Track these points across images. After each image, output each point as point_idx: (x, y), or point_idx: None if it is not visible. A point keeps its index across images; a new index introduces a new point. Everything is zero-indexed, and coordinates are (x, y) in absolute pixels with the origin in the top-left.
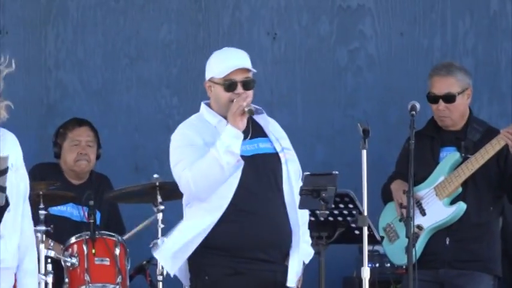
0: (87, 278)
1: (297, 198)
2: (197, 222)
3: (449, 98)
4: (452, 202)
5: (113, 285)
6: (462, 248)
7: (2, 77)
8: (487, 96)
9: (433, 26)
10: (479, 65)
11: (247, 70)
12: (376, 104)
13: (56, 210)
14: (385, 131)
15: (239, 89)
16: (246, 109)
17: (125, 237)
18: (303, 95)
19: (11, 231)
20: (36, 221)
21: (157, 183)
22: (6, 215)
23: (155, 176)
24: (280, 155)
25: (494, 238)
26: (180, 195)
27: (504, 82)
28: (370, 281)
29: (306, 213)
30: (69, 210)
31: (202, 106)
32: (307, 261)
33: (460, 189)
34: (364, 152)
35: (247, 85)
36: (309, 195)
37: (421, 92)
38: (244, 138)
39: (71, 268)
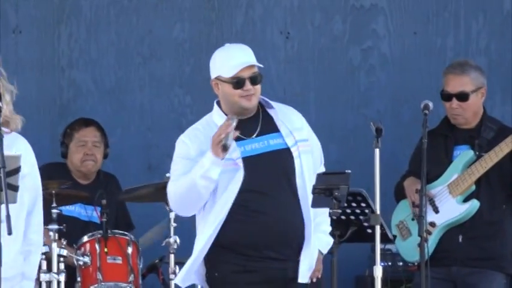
0: (99, 276)
1: (310, 191)
2: (200, 237)
3: (463, 97)
4: (466, 200)
5: (125, 284)
6: (475, 246)
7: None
8: (499, 95)
9: (446, 25)
10: (492, 64)
11: (253, 65)
12: (389, 103)
13: (64, 210)
14: (398, 130)
15: (247, 85)
16: (223, 142)
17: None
18: (316, 94)
19: (9, 241)
20: (49, 219)
21: None
22: (2, 225)
23: (168, 175)
24: (292, 149)
25: (507, 236)
26: None
27: None
28: (382, 279)
29: None
30: (77, 210)
31: (214, 106)
32: (324, 251)
33: (474, 187)
34: (377, 151)
35: (254, 80)
36: (322, 194)
37: (434, 91)
38: (251, 135)
39: (83, 267)
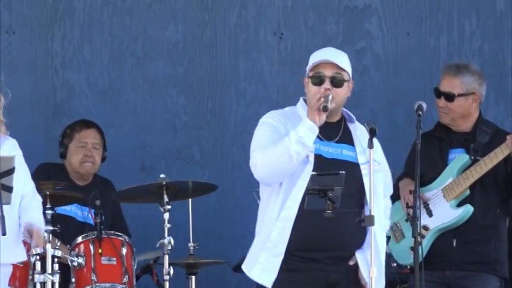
0: (93, 277)
1: (379, 211)
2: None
3: (449, 97)
4: (460, 204)
5: (120, 285)
6: (469, 249)
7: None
8: (493, 96)
9: (439, 26)
10: (485, 65)
11: (339, 67)
12: (382, 104)
13: (61, 209)
14: (392, 131)
15: (327, 84)
16: (323, 104)
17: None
18: None
19: (9, 228)
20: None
21: (163, 183)
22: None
23: (162, 175)
24: (362, 166)
25: (501, 240)
26: (185, 195)
27: (510, 82)
28: None
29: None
30: (74, 210)
31: (300, 100)
32: None
33: (468, 192)
34: (371, 152)
35: (335, 81)
36: (316, 195)
37: (427, 91)
38: (330, 139)
39: (77, 268)
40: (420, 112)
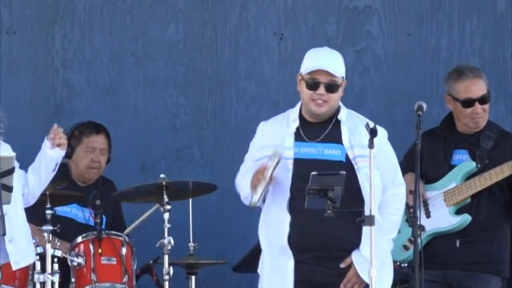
0: (93, 277)
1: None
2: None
3: (485, 100)
4: (459, 211)
5: (119, 285)
6: (472, 250)
7: None
8: (493, 96)
9: (440, 26)
10: (485, 65)
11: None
12: (382, 104)
13: (61, 211)
14: (392, 131)
15: (321, 89)
16: (250, 200)
17: (126, 231)
18: None
19: (19, 232)
20: (43, 220)
21: (163, 183)
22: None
23: (162, 175)
24: (356, 160)
25: (504, 240)
26: (186, 195)
27: (510, 82)
28: None
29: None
30: (74, 212)
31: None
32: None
33: (469, 200)
34: (371, 152)
35: (330, 88)
36: (316, 195)
37: (427, 91)
38: (313, 139)
39: (77, 267)
40: (420, 112)
